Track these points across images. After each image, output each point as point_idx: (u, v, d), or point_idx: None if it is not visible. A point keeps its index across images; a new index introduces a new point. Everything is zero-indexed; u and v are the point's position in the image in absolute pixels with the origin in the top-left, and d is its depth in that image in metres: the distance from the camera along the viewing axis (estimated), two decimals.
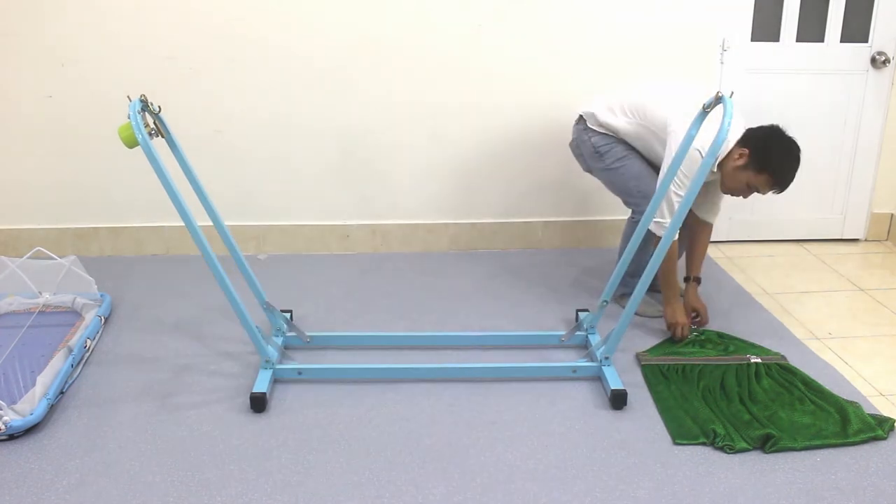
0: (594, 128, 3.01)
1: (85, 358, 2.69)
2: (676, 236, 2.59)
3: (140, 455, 2.19)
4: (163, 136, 2.34)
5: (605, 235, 3.84)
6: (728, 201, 4.02)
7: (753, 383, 2.55)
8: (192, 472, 2.13)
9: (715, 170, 2.75)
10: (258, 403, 2.40)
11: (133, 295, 3.24)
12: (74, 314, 2.97)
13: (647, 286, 2.45)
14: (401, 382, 2.58)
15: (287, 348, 2.80)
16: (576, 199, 3.79)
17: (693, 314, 2.96)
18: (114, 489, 2.05)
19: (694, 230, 2.98)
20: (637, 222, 2.85)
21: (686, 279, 3.00)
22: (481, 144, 3.66)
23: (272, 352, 2.61)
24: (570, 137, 3.20)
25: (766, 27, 3.64)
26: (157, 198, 3.53)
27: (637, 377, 2.62)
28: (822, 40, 3.67)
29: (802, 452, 2.22)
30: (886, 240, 4.02)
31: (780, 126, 2.70)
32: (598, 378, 2.61)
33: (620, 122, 2.93)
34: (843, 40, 3.67)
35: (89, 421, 2.35)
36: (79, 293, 3.04)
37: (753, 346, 2.82)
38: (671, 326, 2.86)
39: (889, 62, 3.70)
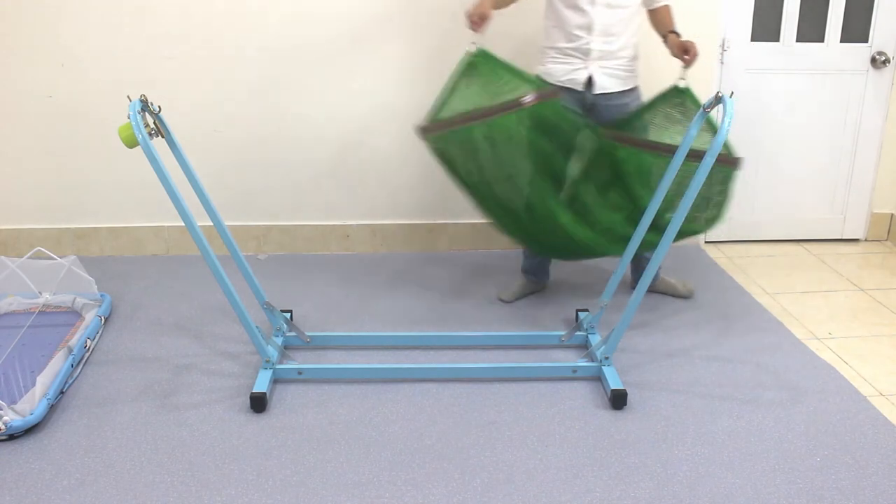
0: None
1: (85, 358, 2.69)
2: None
3: (140, 455, 2.20)
4: (163, 136, 2.34)
5: None
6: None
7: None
8: (192, 472, 2.13)
9: None
10: (258, 403, 2.40)
11: (133, 295, 3.24)
12: (74, 314, 2.97)
13: (648, 285, 2.45)
14: (401, 382, 2.58)
15: (287, 348, 2.81)
16: None
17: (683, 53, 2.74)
18: (114, 489, 2.05)
19: (651, 15, 2.88)
20: None
21: (663, 36, 2.84)
22: None
23: (272, 352, 2.61)
24: None
25: (766, 27, 3.64)
26: (157, 198, 3.55)
27: (638, 377, 2.63)
28: (822, 40, 3.67)
29: (802, 452, 2.23)
30: (886, 240, 4.02)
31: None
32: (598, 378, 2.61)
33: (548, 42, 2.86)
34: (843, 40, 3.67)
35: (89, 421, 2.36)
36: (79, 293, 3.04)
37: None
38: (470, 15, 2.58)
39: (889, 62, 3.70)
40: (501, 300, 3.21)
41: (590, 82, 2.78)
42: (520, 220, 2.74)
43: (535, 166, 2.60)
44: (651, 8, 2.86)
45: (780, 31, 3.64)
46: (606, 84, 2.78)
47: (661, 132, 2.72)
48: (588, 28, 2.71)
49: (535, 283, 3.27)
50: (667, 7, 2.85)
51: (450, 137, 2.61)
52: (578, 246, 2.76)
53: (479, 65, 2.61)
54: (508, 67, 2.61)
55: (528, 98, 2.51)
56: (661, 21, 2.85)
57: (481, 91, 2.59)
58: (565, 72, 2.79)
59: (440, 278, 3.46)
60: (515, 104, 2.51)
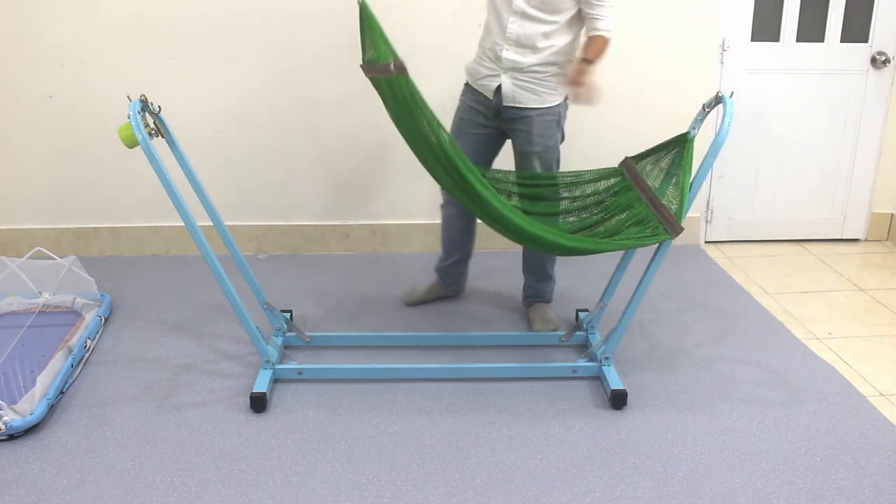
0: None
1: (85, 358, 2.69)
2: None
3: (140, 455, 2.20)
4: (163, 136, 2.34)
5: None
6: (728, 204, 4.02)
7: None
8: (192, 472, 2.13)
9: None
10: (258, 403, 2.40)
11: (133, 295, 3.24)
12: (74, 314, 2.97)
13: (648, 286, 2.45)
14: (401, 382, 2.58)
15: (287, 348, 2.81)
16: None
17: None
18: (114, 489, 2.05)
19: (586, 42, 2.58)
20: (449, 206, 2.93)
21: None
22: None
23: (272, 352, 2.61)
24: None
25: (766, 27, 3.64)
26: (157, 198, 3.55)
27: (638, 377, 2.62)
28: (822, 40, 3.67)
29: (802, 452, 2.23)
30: (886, 240, 4.02)
31: None
32: (598, 378, 2.61)
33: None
34: (843, 40, 3.67)
35: (89, 421, 2.36)
36: (79, 293, 3.04)
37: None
38: None
39: (889, 62, 3.70)
40: (405, 303, 3.17)
41: (499, 91, 2.63)
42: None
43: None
44: (588, 35, 2.57)
45: (780, 31, 3.64)
46: (516, 96, 2.61)
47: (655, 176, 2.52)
48: (503, 36, 2.56)
49: (443, 288, 3.19)
50: (600, 39, 2.53)
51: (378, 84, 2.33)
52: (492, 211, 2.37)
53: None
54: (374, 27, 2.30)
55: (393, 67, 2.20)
56: (586, 49, 2.56)
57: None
58: (481, 75, 2.67)
59: None
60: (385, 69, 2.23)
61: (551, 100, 2.64)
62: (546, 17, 2.51)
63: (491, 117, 2.72)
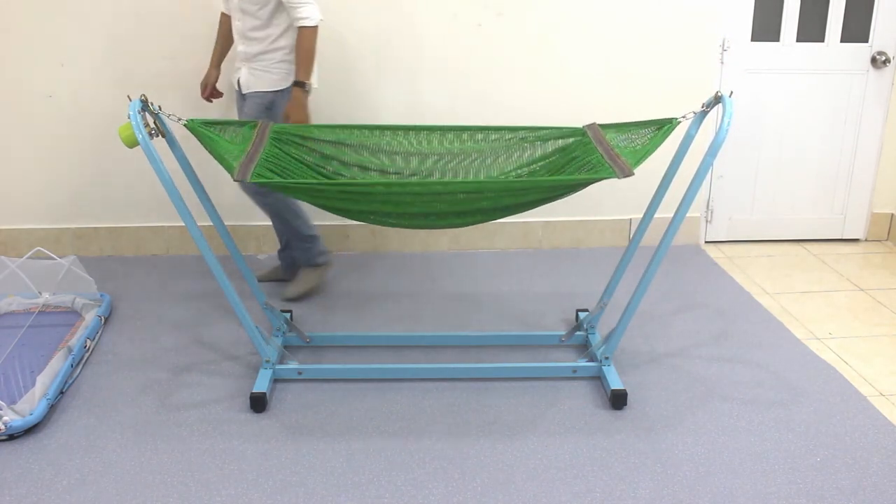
0: None
1: (85, 358, 2.69)
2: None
3: (140, 455, 2.20)
4: (163, 136, 2.34)
5: (605, 235, 3.84)
6: (728, 204, 4.02)
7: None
8: (192, 472, 2.13)
9: None
10: (258, 403, 2.40)
11: (133, 295, 3.24)
12: (74, 314, 2.97)
13: (648, 285, 2.45)
14: (401, 382, 2.58)
15: (287, 348, 2.81)
16: (576, 199, 3.79)
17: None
18: (114, 489, 2.06)
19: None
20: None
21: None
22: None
23: (272, 352, 2.61)
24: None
25: (766, 27, 3.64)
26: (157, 198, 3.55)
27: (638, 377, 2.62)
28: (822, 40, 3.67)
29: (802, 452, 2.23)
30: (886, 240, 4.02)
31: None
32: (598, 378, 2.61)
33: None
34: (843, 40, 3.67)
35: (89, 421, 2.36)
36: (79, 293, 3.04)
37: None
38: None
39: (889, 62, 3.70)
40: (257, 279, 3.34)
41: (240, 81, 2.95)
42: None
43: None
44: (296, 26, 2.79)
45: (780, 31, 3.64)
46: (250, 83, 2.90)
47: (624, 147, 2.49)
48: (236, 31, 2.89)
49: (281, 272, 3.35)
50: (303, 32, 2.75)
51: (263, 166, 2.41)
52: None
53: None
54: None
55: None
56: (296, 55, 2.80)
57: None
58: (235, 71, 2.98)
59: (440, 278, 3.46)
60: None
61: (281, 84, 2.88)
62: (255, 11, 2.78)
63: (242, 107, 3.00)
